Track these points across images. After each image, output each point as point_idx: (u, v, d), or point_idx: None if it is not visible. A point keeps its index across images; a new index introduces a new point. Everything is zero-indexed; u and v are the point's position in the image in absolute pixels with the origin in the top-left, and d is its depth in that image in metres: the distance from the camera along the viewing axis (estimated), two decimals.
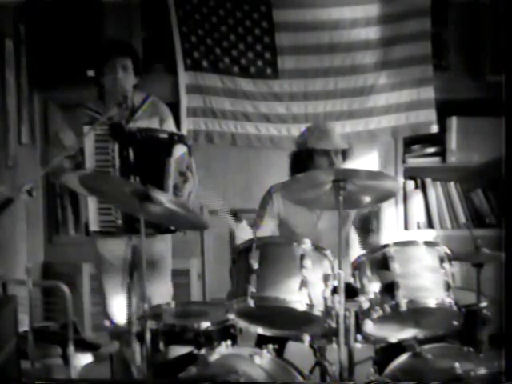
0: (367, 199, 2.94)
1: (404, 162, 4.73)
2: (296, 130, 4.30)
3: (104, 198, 3.27)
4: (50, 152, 3.66)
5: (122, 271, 3.51)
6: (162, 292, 3.50)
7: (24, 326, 3.05)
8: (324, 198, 2.86)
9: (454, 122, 4.68)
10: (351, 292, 2.79)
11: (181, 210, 2.88)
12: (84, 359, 3.38)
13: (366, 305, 2.74)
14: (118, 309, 3.51)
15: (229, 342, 2.84)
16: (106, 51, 3.53)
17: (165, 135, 3.40)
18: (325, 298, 2.70)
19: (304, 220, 3.41)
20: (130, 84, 3.50)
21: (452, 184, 4.78)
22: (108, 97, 3.52)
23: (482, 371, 2.69)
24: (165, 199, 2.84)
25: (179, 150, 3.41)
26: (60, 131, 3.60)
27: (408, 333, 2.86)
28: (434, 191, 4.79)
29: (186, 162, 3.42)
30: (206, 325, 2.87)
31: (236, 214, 4.68)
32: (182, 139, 3.43)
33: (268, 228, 3.45)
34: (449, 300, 2.72)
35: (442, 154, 4.75)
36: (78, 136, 3.42)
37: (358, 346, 2.79)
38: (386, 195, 3.00)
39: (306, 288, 2.65)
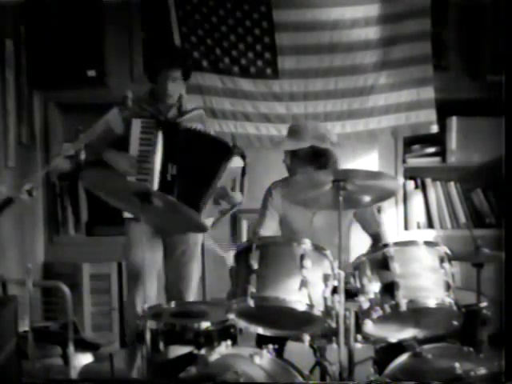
0: (367, 199, 2.94)
1: (404, 162, 4.74)
2: None
3: (107, 197, 3.26)
4: (97, 142, 3.41)
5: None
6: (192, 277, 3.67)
7: (24, 325, 3.05)
8: (323, 197, 2.87)
9: (454, 122, 4.69)
10: (351, 292, 2.79)
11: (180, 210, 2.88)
12: (84, 359, 3.38)
13: (365, 305, 2.74)
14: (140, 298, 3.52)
15: (229, 342, 2.83)
16: (158, 63, 3.57)
17: (229, 142, 3.50)
18: (325, 298, 2.70)
19: (301, 216, 3.41)
20: (178, 92, 3.59)
21: (452, 184, 4.78)
22: (158, 96, 3.60)
23: (482, 371, 2.69)
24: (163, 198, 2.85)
25: (236, 163, 3.48)
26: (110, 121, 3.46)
27: (408, 333, 2.86)
28: (434, 191, 4.79)
29: (239, 179, 3.52)
30: (205, 325, 2.87)
31: (236, 215, 4.69)
32: (243, 154, 3.52)
33: (270, 227, 3.46)
34: (449, 300, 2.72)
35: (442, 154, 4.76)
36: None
37: (358, 345, 2.79)
38: (386, 195, 3.01)
39: (305, 288, 2.65)
